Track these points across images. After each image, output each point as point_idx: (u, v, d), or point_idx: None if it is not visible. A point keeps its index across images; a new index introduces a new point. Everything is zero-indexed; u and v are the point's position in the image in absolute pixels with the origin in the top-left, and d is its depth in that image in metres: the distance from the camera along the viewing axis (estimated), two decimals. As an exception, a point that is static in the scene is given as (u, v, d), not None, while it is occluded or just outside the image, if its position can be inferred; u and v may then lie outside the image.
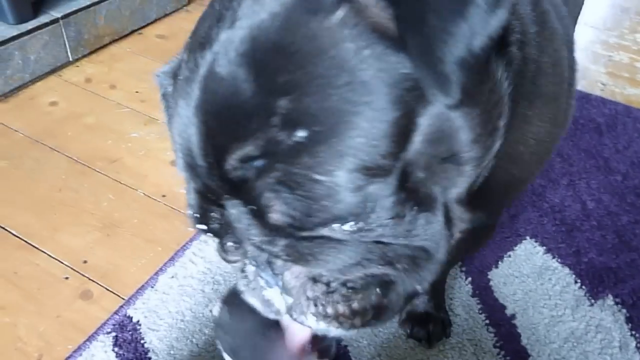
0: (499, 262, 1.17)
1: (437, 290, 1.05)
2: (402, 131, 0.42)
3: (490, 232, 0.91)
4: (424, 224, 0.47)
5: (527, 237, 1.23)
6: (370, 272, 0.49)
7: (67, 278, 1.11)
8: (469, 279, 1.14)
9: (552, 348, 1.03)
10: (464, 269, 1.15)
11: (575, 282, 1.15)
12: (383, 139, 0.41)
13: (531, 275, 1.16)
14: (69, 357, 0.98)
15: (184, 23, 1.94)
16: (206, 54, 0.43)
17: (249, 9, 0.42)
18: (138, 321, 1.03)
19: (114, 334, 1.01)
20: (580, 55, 1.92)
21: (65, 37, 1.62)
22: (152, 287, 1.09)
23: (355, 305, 0.50)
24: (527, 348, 1.03)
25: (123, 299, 1.08)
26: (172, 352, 0.99)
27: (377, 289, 0.50)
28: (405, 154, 0.43)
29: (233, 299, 0.61)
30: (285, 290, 0.51)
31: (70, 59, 1.67)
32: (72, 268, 1.13)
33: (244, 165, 0.42)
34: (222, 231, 0.48)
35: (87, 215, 1.23)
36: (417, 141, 0.43)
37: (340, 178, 0.41)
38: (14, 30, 1.50)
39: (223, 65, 0.42)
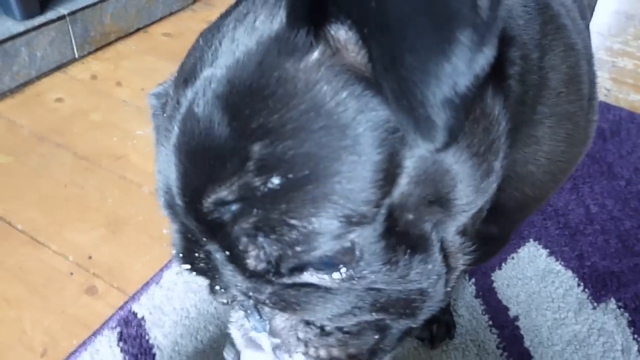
0: (503, 264, 1.18)
1: None
2: (386, 175, 0.39)
3: (501, 244, 0.89)
4: (419, 265, 0.45)
5: (531, 240, 1.24)
6: (363, 319, 0.46)
7: (72, 274, 1.12)
8: (473, 280, 1.14)
9: (554, 350, 1.04)
10: (467, 270, 1.16)
11: (579, 285, 1.15)
12: (365, 185, 0.38)
13: (534, 278, 1.16)
14: (73, 352, 0.98)
15: (190, 22, 1.95)
16: (188, 91, 0.42)
17: (227, 47, 0.41)
18: (143, 317, 1.04)
19: (118, 329, 1.01)
20: (584, 60, 1.94)
21: (71, 33, 1.62)
22: (157, 283, 1.09)
23: (351, 350, 0.48)
24: (530, 350, 1.04)
25: (128, 295, 1.08)
26: (176, 348, 0.99)
27: (373, 333, 0.48)
28: (389, 198, 0.40)
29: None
30: (272, 332, 0.49)
31: (76, 56, 1.67)
32: (77, 264, 1.13)
33: (220, 208, 0.40)
34: (209, 273, 0.47)
35: (93, 212, 1.24)
36: (403, 184, 0.41)
37: (318, 225, 0.39)
38: (21, 26, 1.50)
39: (200, 106, 0.40)
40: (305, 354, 0.48)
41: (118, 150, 1.39)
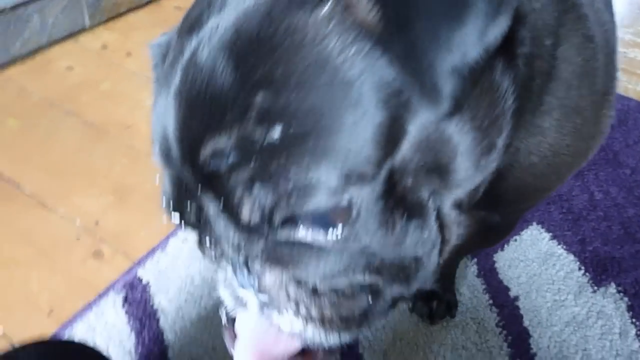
0: (505, 246, 1.19)
1: (446, 275, 1.06)
2: (388, 137, 0.39)
3: (506, 231, 0.88)
4: (414, 232, 0.44)
5: (534, 223, 1.25)
6: (355, 281, 0.46)
7: (79, 238, 1.13)
8: (475, 260, 1.15)
9: (553, 331, 1.05)
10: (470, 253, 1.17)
11: (579, 269, 1.16)
12: (366, 144, 0.38)
13: (536, 260, 1.17)
14: (79, 313, 1.00)
15: (201, -4, 1.94)
16: (192, 39, 0.42)
17: None
18: (148, 282, 1.05)
19: (124, 293, 1.03)
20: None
21: (83, 2, 1.62)
22: (163, 250, 1.11)
23: (342, 312, 0.47)
24: (529, 329, 1.05)
25: (133, 260, 1.10)
26: (180, 313, 1.01)
27: (366, 297, 0.47)
28: (390, 161, 0.40)
29: None
30: (260, 288, 0.47)
31: (87, 25, 1.67)
32: (84, 228, 1.15)
33: (217, 158, 0.40)
34: (200, 226, 0.46)
35: (101, 179, 1.25)
36: (405, 148, 0.40)
37: (315, 178, 0.38)
38: (34, -7, 1.50)
39: (205, 53, 0.40)
40: (296, 312, 0.46)
41: (126, 119, 1.40)
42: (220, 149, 0.39)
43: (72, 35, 1.64)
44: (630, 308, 1.10)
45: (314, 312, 0.46)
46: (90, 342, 0.95)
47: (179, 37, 0.45)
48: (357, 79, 0.37)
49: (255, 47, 0.38)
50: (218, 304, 1.03)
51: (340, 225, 0.41)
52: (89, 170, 1.26)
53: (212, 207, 0.43)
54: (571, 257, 1.19)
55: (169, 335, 0.98)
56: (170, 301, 1.03)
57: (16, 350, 0.62)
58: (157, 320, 1.00)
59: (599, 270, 1.17)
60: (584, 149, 0.63)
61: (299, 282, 0.46)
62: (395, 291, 0.48)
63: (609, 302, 1.11)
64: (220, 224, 0.43)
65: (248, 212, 0.40)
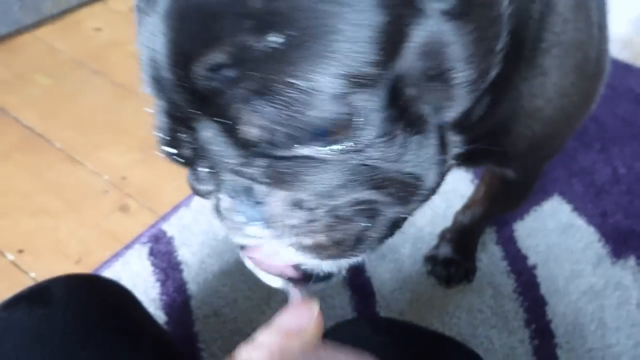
0: (525, 215, 1.19)
1: (468, 243, 1.07)
2: (390, 39, 0.38)
3: (524, 191, 0.88)
4: (416, 147, 0.43)
5: (555, 195, 1.24)
6: (356, 196, 0.44)
7: (106, 191, 1.16)
8: (494, 227, 1.16)
9: (569, 299, 1.06)
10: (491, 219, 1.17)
11: (599, 241, 1.16)
12: (368, 45, 0.37)
13: (555, 230, 1.17)
14: (106, 262, 1.03)
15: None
16: None
17: None
18: (172, 236, 1.08)
19: (149, 244, 1.06)
20: (627, 27, 1.88)
21: (112, -36, 1.64)
22: (187, 206, 1.13)
23: (337, 235, 0.45)
24: (546, 297, 1.06)
25: (159, 215, 1.13)
26: (203, 265, 1.04)
27: (362, 219, 0.45)
28: (393, 65, 0.39)
29: None
30: (266, 220, 0.45)
31: (116, -12, 1.69)
32: (111, 183, 1.18)
33: (213, 74, 0.38)
34: (194, 156, 0.44)
35: (128, 136, 1.27)
36: (407, 54, 0.39)
37: (320, 83, 0.37)
38: (64, -47, 1.52)
39: None
40: (293, 244, 0.45)
41: (153, 80, 1.42)
42: (215, 63, 0.37)
43: (100, -3, 1.67)
44: (648, 281, 1.10)
45: (309, 238, 0.45)
46: (116, 290, 0.99)
47: None
48: None
49: None
50: (240, 260, 1.06)
51: (343, 137, 0.40)
52: (116, 128, 1.29)
53: (209, 130, 0.41)
54: (591, 229, 1.18)
55: (191, 286, 1.01)
56: (193, 254, 1.06)
57: (49, 281, 0.65)
58: (181, 272, 1.03)
59: (619, 242, 1.17)
60: (589, 88, 0.62)
61: (298, 206, 0.44)
62: (394, 212, 0.47)
63: (628, 274, 1.11)
64: (219, 147, 0.41)
65: (249, 128, 0.39)
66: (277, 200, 0.43)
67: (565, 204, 1.23)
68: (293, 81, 0.36)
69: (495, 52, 0.45)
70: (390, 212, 0.46)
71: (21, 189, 1.15)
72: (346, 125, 0.39)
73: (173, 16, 0.39)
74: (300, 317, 0.45)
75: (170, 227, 1.09)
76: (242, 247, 0.50)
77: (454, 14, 0.39)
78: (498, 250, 1.13)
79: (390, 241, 1.17)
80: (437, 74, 0.41)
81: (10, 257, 1.04)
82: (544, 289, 1.07)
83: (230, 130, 0.39)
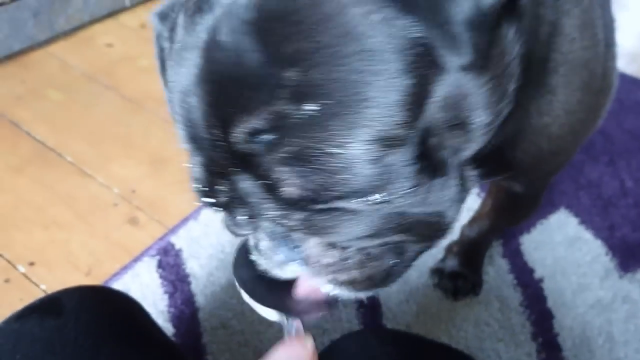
0: (532, 228, 1.19)
1: (474, 257, 1.08)
2: (416, 99, 0.40)
3: (531, 205, 0.89)
4: (439, 189, 0.46)
5: (562, 208, 1.25)
6: (386, 240, 0.48)
7: (116, 204, 1.18)
8: (501, 240, 1.16)
9: (577, 313, 1.06)
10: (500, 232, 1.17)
11: (607, 254, 1.16)
12: (397, 108, 0.39)
13: (562, 244, 1.17)
14: (116, 274, 1.04)
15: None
16: (207, 18, 0.41)
17: None
18: (180, 248, 1.09)
19: (158, 257, 1.07)
20: (633, 41, 1.89)
21: (124, -18, 1.68)
22: (195, 219, 1.15)
23: (368, 271, 0.49)
24: (553, 310, 1.06)
25: (167, 227, 1.14)
26: (211, 278, 1.05)
27: (392, 255, 0.49)
28: (419, 122, 0.42)
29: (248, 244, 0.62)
30: (304, 260, 0.50)
31: (127, 5, 1.72)
32: (121, 196, 1.20)
33: (252, 139, 0.40)
34: (232, 205, 0.46)
35: (137, 150, 1.30)
36: (431, 108, 0.42)
37: (356, 150, 0.39)
38: (78, -29, 1.56)
39: (227, 34, 0.39)
40: (332, 281, 0.49)
41: (163, 94, 1.44)
42: (254, 129, 0.40)
43: (112, 13, 1.70)
44: (657, 294, 1.10)
45: (344, 274, 0.49)
46: (125, 301, 1.00)
47: (187, 16, 0.44)
48: (384, 45, 0.38)
49: (280, 23, 0.38)
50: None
51: (379, 191, 0.42)
52: (126, 142, 1.31)
53: (248, 185, 0.44)
54: (599, 242, 1.18)
55: (199, 299, 1.02)
56: (201, 267, 1.07)
57: (60, 293, 0.66)
58: (189, 284, 1.04)
59: (627, 256, 1.16)
60: (595, 104, 0.63)
61: (331, 246, 0.48)
62: (419, 247, 0.50)
63: (635, 287, 1.10)
64: (256, 199, 0.44)
65: (290, 189, 0.41)
66: (313, 244, 0.48)
67: (572, 217, 1.23)
68: (330, 150, 0.39)
69: (509, 93, 0.47)
70: (417, 248, 0.50)
71: (33, 201, 1.17)
72: (381, 184, 0.42)
73: (208, 80, 0.41)
74: (294, 352, 0.48)
75: (178, 240, 1.11)
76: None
77: (472, 67, 0.41)
78: (505, 263, 1.13)
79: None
80: (457, 123, 0.44)
81: (22, 269, 1.05)
82: (550, 302, 1.07)
83: (270, 188, 0.42)
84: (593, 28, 0.58)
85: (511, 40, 0.46)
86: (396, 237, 0.48)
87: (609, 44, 0.63)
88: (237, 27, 0.39)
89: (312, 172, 0.40)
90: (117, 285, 1.02)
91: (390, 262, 0.49)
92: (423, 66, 0.40)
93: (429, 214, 0.47)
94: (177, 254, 1.09)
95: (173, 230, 1.13)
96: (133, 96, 1.43)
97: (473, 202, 1.18)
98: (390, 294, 1.05)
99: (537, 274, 1.11)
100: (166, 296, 1.02)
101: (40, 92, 1.42)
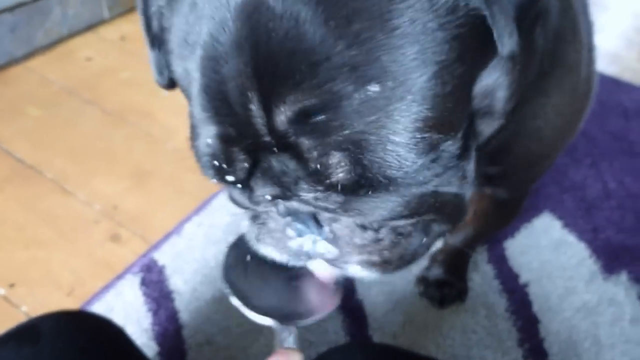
0: (516, 233, 1.19)
1: (459, 265, 1.08)
2: (468, 86, 0.41)
3: (514, 210, 0.90)
4: (463, 172, 0.47)
5: (546, 211, 1.25)
6: (418, 219, 0.47)
7: (98, 221, 1.17)
8: (485, 246, 1.16)
9: (563, 317, 1.06)
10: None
11: (591, 257, 1.16)
12: (453, 95, 0.39)
13: (547, 248, 1.17)
14: (99, 293, 1.03)
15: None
16: None
17: None
18: (164, 264, 1.08)
19: (141, 274, 1.06)
20: (614, 41, 1.91)
21: (103, -6, 1.66)
22: (178, 234, 1.14)
23: (400, 250, 0.49)
24: (538, 315, 1.06)
25: (150, 243, 1.13)
26: (195, 294, 1.04)
27: (419, 234, 0.49)
28: (469, 109, 0.42)
29: (241, 245, 0.59)
30: (331, 240, 0.48)
31: (106, 17, 1.71)
32: (103, 212, 1.18)
33: (302, 118, 0.38)
34: (253, 181, 0.44)
35: (119, 164, 1.28)
36: (477, 95, 0.43)
37: (413, 138, 0.39)
38: (55, -15, 1.54)
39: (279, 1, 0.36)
40: (361, 262, 0.48)
41: (144, 107, 1.43)
42: (306, 109, 0.37)
43: (91, 26, 1.68)
44: (641, 296, 1.10)
45: (376, 258, 0.48)
46: (108, 321, 0.99)
47: None
48: (443, 32, 0.37)
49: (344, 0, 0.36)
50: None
51: (425, 177, 0.42)
52: (108, 157, 1.30)
53: (284, 165, 0.42)
54: (583, 245, 1.19)
55: (183, 315, 1.01)
56: (185, 283, 1.06)
57: (37, 319, 0.65)
58: (173, 301, 1.03)
59: (611, 258, 1.17)
60: (580, 107, 0.66)
61: (363, 228, 0.47)
62: (443, 228, 0.51)
63: (620, 289, 1.11)
64: (291, 179, 0.43)
65: (344, 175, 0.40)
66: (343, 225, 0.46)
67: (556, 221, 1.24)
68: (389, 135, 0.38)
69: (525, 85, 0.49)
70: (442, 228, 0.51)
71: (13, 221, 1.15)
72: (431, 170, 0.42)
73: (254, 50, 0.37)
74: None
75: (162, 256, 1.09)
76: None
77: (514, 57, 0.41)
78: (490, 269, 1.13)
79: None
80: (488, 111, 0.45)
81: (2, 291, 1.03)
82: (536, 307, 1.07)
83: (315, 172, 0.40)
84: (580, 32, 0.60)
85: (538, 37, 0.47)
86: (426, 217, 0.48)
87: (590, 48, 0.65)
88: None
89: (366, 158, 0.39)
90: (100, 304, 1.01)
91: (419, 241, 0.49)
92: (477, 52, 0.40)
93: (454, 195, 0.47)
94: (161, 270, 1.07)
95: (156, 245, 1.12)
96: (114, 110, 1.42)
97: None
98: (376, 304, 1.05)
99: (523, 279, 1.11)
100: (150, 314, 1.01)
101: (19, 108, 1.41)
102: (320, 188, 0.42)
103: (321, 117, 0.37)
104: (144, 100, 1.45)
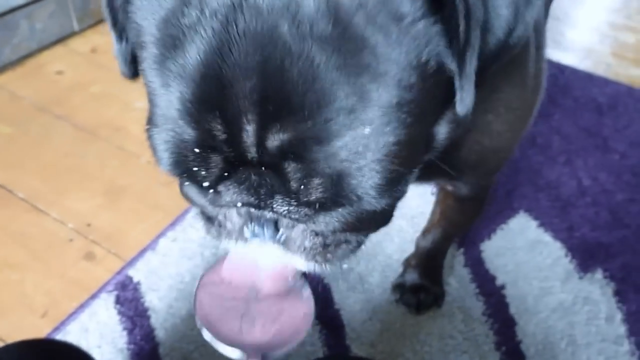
0: (492, 235, 1.20)
1: (433, 267, 1.08)
2: (429, 130, 0.50)
3: (478, 207, 0.92)
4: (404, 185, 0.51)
5: (521, 211, 1.26)
6: (360, 234, 0.55)
7: (71, 240, 1.15)
8: (462, 249, 1.16)
9: (539, 318, 1.06)
10: (457, 240, 1.18)
11: (566, 256, 1.17)
12: (419, 137, 0.48)
13: (523, 248, 1.18)
14: (73, 313, 1.02)
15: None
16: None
17: None
18: (139, 281, 1.07)
19: (115, 292, 1.05)
20: (587, 35, 1.92)
21: (71, 7, 1.64)
22: (153, 249, 1.13)
23: (341, 252, 0.55)
24: (515, 317, 1.06)
25: (125, 260, 1.12)
26: (170, 310, 1.03)
27: (355, 240, 0.56)
28: (431, 146, 0.50)
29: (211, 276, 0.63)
30: (285, 242, 0.53)
31: (77, 29, 1.69)
32: (76, 231, 1.17)
33: (294, 148, 0.41)
34: (226, 187, 0.46)
35: (92, 181, 1.27)
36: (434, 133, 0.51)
37: (387, 169, 0.44)
38: (22, -1, 1.52)
39: (292, 33, 0.38)
40: (308, 255, 0.54)
41: (117, 121, 1.42)
42: (303, 140, 0.40)
43: (61, 39, 1.66)
44: (616, 293, 1.11)
45: (321, 255, 0.54)
46: (83, 342, 0.98)
47: None
48: (425, 89, 0.43)
49: (351, 37, 0.39)
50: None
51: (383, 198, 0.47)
52: (80, 173, 1.28)
53: (264, 179, 0.44)
54: (558, 244, 1.20)
55: (159, 333, 1.00)
56: (160, 299, 1.05)
57: (0, 350, 0.64)
58: (148, 318, 1.02)
59: (586, 256, 1.18)
60: (530, 101, 0.68)
61: (316, 234, 0.52)
62: (362, 239, 0.57)
63: (596, 287, 1.12)
64: (265, 191, 0.45)
65: (313, 194, 0.43)
66: (299, 230, 0.52)
67: (531, 221, 1.24)
68: (364, 162, 0.42)
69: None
70: (361, 239, 0.57)
71: (-16, 243, 1.14)
72: (391, 195, 0.47)
73: (264, 78, 0.39)
74: None
75: (136, 273, 1.08)
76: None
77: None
78: (466, 272, 1.13)
79: (359, 270, 1.18)
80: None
81: (-26, 316, 1.02)
82: (513, 309, 1.08)
83: (292, 192, 0.44)
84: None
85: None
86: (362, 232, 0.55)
87: (539, 47, 0.68)
88: (308, 29, 0.38)
89: (345, 182, 0.43)
90: (75, 325, 1.00)
91: (353, 245, 0.56)
92: (439, 105, 0.47)
93: (388, 206, 0.51)
94: (136, 287, 1.06)
95: (130, 262, 1.11)
96: (86, 125, 1.40)
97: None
98: (353, 314, 1.04)
99: (499, 281, 1.12)
100: (125, 333, 1.00)
101: (-11, 126, 1.39)
102: (294, 203, 0.46)
103: (314, 149, 0.41)
104: (115, 114, 1.44)
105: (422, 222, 1.10)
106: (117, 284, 1.06)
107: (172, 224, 1.17)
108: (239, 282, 0.61)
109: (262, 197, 0.46)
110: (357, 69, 0.39)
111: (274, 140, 0.41)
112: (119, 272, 1.09)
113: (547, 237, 1.21)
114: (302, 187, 0.43)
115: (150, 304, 1.04)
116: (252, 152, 0.42)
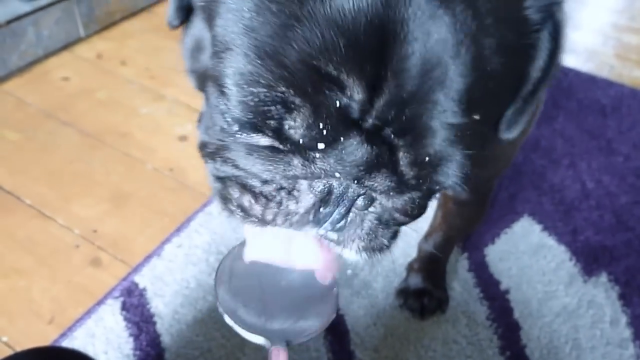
0: (496, 239, 1.20)
1: (436, 271, 1.08)
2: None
3: (479, 209, 0.92)
4: None
5: (525, 215, 1.26)
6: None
7: (78, 246, 1.16)
8: (466, 254, 1.17)
9: (543, 322, 1.06)
10: (460, 244, 1.18)
11: (570, 259, 1.17)
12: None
13: (527, 252, 1.18)
14: (79, 319, 1.03)
15: (194, 1, 1.96)
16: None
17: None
18: (144, 287, 1.08)
19: (121, 298, 1.06)
20: (590, 37, 1.92)
21: (77, 13, 1.65)
22: (159, 255, 1.13)
23: (390, 239, 0.53)
24: (520, 321, 1.06)
25: (131, 266, 1.13)
26: (176, 316, 1.04)
27: (396, 226, 0.54)
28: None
29: (234, 257, 0.61)
30: (339, 229, 0.50)
31: (82, 35, 1.70)
32: (82, 237, 1.18)
33: (413, 124, 0.42)
34: (326, 157, 0.44)
35: (98, 187, 1.28)
36: None
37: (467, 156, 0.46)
38: (28, 7, 1.53)
39: (436, 40, 0.40)
40: (358, 248, 0.52)
41: (122, 127, 1.43)
42: (418, 116, 0.41)
43: (67, 45, 1.68)
44: (621, 296, 1.11)
45: (374, 242, 0.52)
46: (90, 348, 0.99)
47: None
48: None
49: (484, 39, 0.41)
50: (213, 308, 1.05)
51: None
52: (86, 179, 1.29)
53: (358, 149, 0.43)
54: (562, 247, 1.20)
55: (165, 339, 1.01)
56: (166, 305, 1.05)
57: (7, 359, 0.65)
58: (154, 324, 1.03)
59: (590, 260, 1.18)
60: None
61: (379, 220, 0.51)
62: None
63: (600, 291, 1.12)
64: (377, 170, 0.45)
65: (409, 173, 0.44)
66: (367, 215, 0.50)
67: (535, 224, 1.24)
68: (459, 149, 0.44)
69: None
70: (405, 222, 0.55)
71: (-8, 249, 1.15)
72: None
73: (411, 63, 0.40)
74: None
75: (142, 279, 1.09)
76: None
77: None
78: (470, 277, 1.13)
79: (363, 276, 1.17)
80: None
81: (-18, 322, 1.03)
82: (517, 314, 1.08)
83: (396, 167, 0.44)
84: None
85: None
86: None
87: None
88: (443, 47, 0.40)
89: (442, 168, 0.45)
90: (81, 331, 1.01)
91: (397, 233, 0.54)
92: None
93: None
94: (141, 293, 1.07)
95: (136, 269, 1.11)
96: (92, 131, 1.41)
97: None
98: (357, 318, 1.05)
99: (503, 285, 1.12)
100: (131, 339, 1.01)
101: (-4, 133, 1.40)
102: (395, 180, 0.45)
103: (430, 132, 0.42)
104: (121, 120, 1.45)
105: (425, 226, 1.11)
106: (123, 290, 1.07)
107: (178, 230, 1.18)
108: (263, 267, 0.58)
109: (366, 170, 0.44)
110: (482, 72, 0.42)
111: (397, 114, 0.41)
112: (124, 278, 1.10)
113: (551, 241, 1.21)
114: (410, 165, 0.44)
115: (156, 310, 1.05)
116: (370, 121, 0.41)
